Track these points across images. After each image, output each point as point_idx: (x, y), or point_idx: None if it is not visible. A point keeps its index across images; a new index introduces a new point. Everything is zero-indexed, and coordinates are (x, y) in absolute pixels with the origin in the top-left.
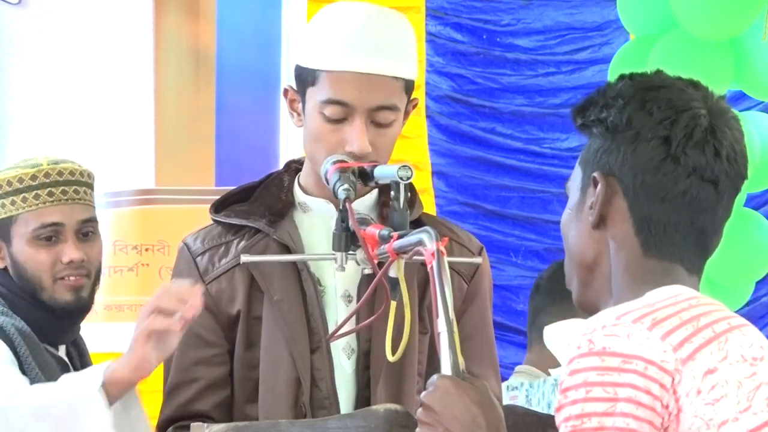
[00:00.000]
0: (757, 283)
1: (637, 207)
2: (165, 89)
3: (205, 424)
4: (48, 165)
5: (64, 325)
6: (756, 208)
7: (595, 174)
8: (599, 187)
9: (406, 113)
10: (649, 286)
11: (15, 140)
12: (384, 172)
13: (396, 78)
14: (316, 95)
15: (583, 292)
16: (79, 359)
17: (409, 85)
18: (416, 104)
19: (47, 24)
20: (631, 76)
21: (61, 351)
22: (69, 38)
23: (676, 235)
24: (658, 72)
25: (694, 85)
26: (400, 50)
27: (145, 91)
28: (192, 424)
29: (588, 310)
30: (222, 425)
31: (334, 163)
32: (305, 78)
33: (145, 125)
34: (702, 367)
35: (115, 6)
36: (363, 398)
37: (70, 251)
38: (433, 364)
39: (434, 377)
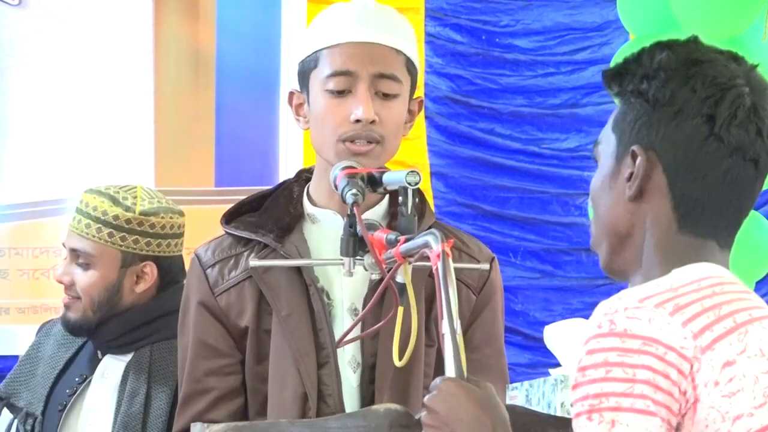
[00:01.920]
0: (757, 282)
1: (677, 184)
2: (165, 90)
3: (206, 424)
4: (85, 193)
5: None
6: (756, 208)
7: (635, 148)
8: (639, 161)
9: (411, 112)
10: (679, 263)
11: (15, 140)
12: (392, 178)
13: (397, 51)
14: (319, 75)
15: (612, 259)
16: (136, 371)
17: (410, 66)
18: (421, 102)
19: (47, 25)
20: (670, 46)
21: (107, 360)
22: (69, 39)
23: (714, 213)
24: (696, 41)
25: (735, 59)
26: (400, 30)
27: (145, 92)
28: (192, 424)
29: (615, 276)
30: (222, 425)
31: (343, 168)
32: (307, 67)
33: (145, 126)
34: (721, 358)
35: (115, 7)
36: None
37: (60, 270)
38: (439, 376)
39: (437, 380)
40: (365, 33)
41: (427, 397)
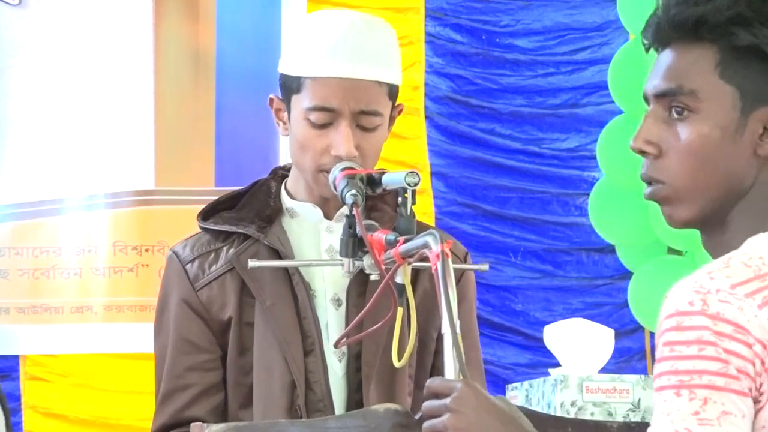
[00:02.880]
0: None
1: None
2: (165, 90)
3: (205, 424)
4: None
5: None
6: None
7: None
8: None
9: (392, 119)
10: None
11: (15, 140)
12: (392, 179)
13: (380, 83)
14: (301, 102)
15: (703, 210)
16: None
17: (393, 91)
18: (401, 110)
19: (47, 25)
20: None
21: None
22: (69, 39)
23: None
24: None
25: None
26: (384, 56)
27: (145, 92)
28: (191, 424)
29: (688, 226)
30: (221, 425)
31: (343, 170)
32: (290, 86)
33: (145, 126)
34: None
35: (115, 7)
36: (355, 400)
37: None
38: (422, 367)
39: (453, 383)
40: (350, 67)
41: (449, 399)
